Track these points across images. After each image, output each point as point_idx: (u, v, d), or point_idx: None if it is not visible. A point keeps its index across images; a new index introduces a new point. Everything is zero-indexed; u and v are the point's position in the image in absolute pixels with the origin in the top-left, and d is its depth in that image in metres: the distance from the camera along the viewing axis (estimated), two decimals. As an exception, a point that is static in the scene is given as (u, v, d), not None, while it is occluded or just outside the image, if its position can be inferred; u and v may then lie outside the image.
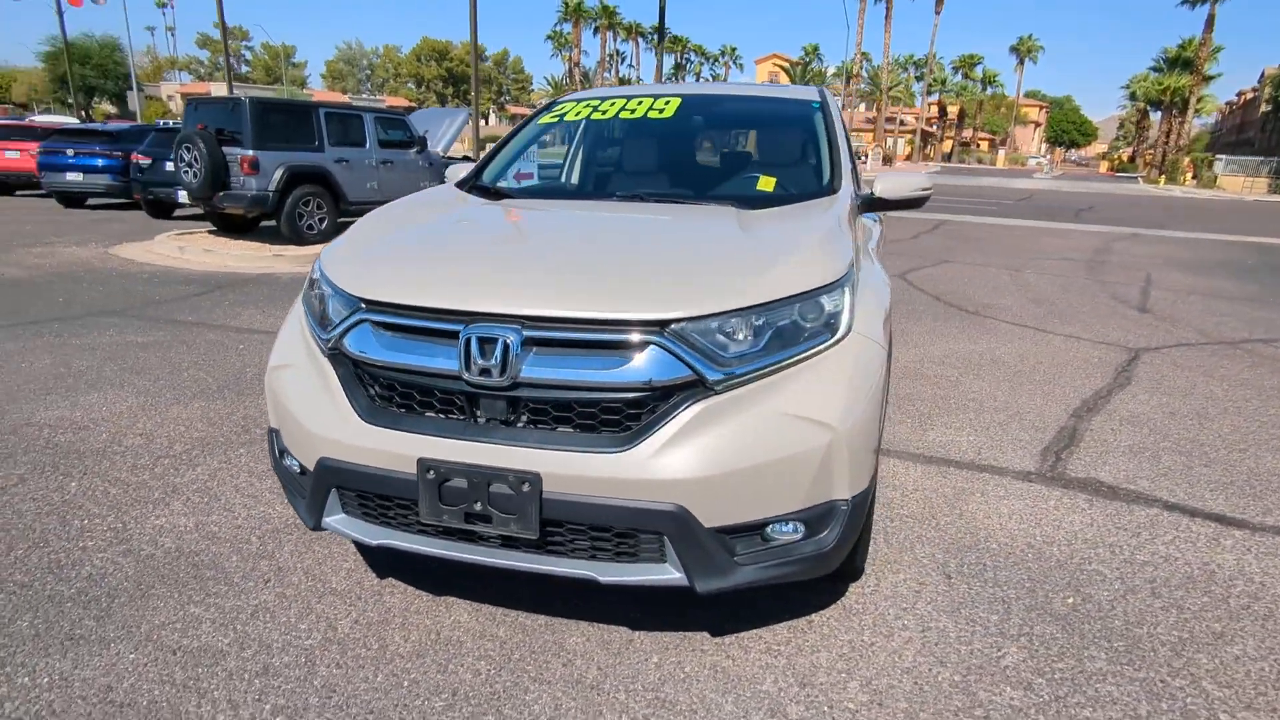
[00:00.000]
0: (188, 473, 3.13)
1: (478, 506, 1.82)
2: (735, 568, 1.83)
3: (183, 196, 10.12)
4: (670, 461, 1.74)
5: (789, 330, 1.87)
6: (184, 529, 2.69)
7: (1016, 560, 2.58)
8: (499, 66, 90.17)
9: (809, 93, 3.30)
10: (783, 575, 1.88)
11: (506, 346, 1.78)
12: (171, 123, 17.42)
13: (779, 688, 1.94)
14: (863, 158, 49.31)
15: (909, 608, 2.30)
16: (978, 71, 78.45)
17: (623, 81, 74.04)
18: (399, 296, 1.93)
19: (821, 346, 1.89)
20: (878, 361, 1.98)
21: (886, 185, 2.85)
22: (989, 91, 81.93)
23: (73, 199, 14.03)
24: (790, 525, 1.85)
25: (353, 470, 1.92)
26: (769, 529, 1.85)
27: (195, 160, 9.56)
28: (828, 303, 1.95)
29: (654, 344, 1.77)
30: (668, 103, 3.23)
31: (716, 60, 71.03)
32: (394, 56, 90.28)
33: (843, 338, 1.93)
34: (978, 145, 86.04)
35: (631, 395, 1.78)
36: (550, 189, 2.98)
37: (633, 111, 3.25)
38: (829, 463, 1.82)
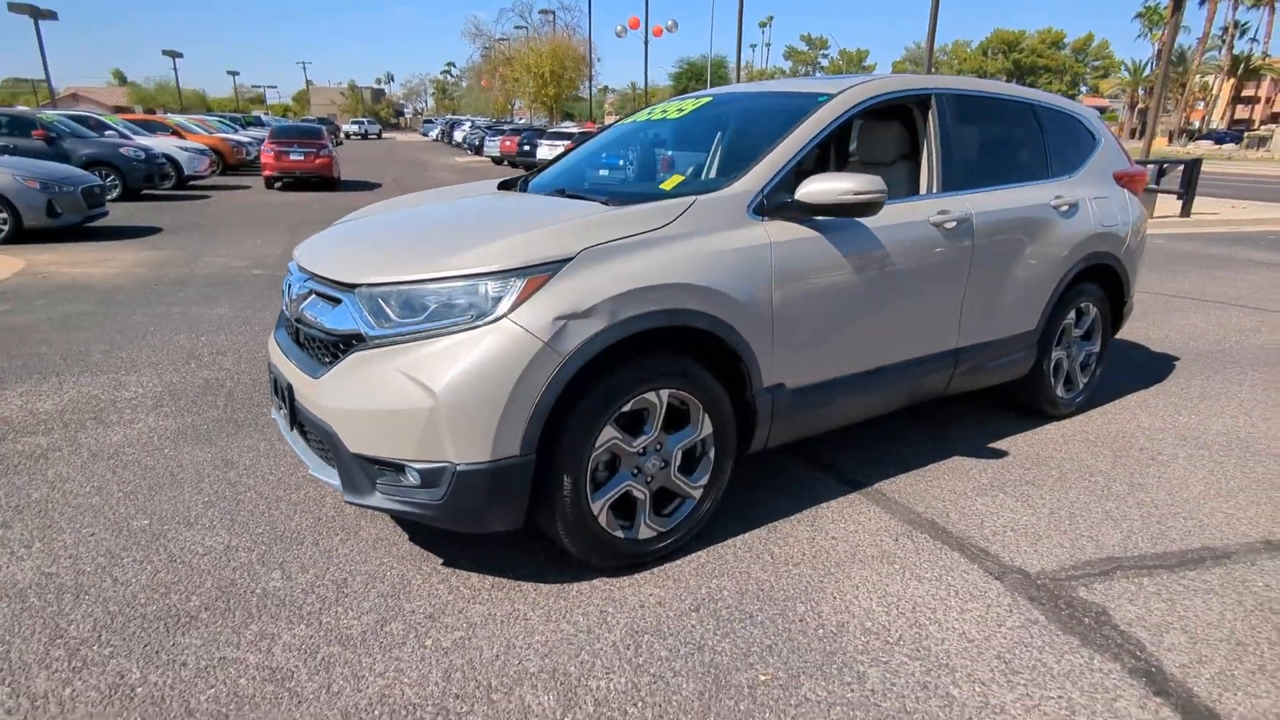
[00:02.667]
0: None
1: (281, 401, 2.60)
2: (373, 491, 2.24)
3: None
4: (330, 391, 2.26)
5: (442, 304, 2.16)
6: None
7: (796, 629, 2.21)
8: (1077, 54, 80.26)
9: (830, 86, 2.98)
10: (409, 513, 2.22)
11: (293, 289, 2.52)
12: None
13: (367, 613, 2.27)
14: None
15: (601, 616, 2.26)
16: None
17: (1236, 61, 58.46)
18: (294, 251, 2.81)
19: (462, 325, 2.12)
20: (523, 353, 2.08)
21: (809, 189, 2.55)
22: None
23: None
24: (412, 473, 2.17)
25: (269, 365, 2.88)
26: (406, 471, 2.20)
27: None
28: (491, 287, 2.14)
29: (343, 301, 2.29)
30: (695, 103, 3.31)
31: None
32: (962, 52, 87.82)
33: (491, 323, 2.11)
34: None
35: (328, 338, 2.33)
36: (541, 184, 3.40)
37: (665, 113, 3.43)
38: (434, 425, 2.09)
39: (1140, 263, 4.19)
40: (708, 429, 2.53)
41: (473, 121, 42.98)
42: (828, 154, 3.79)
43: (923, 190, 3.18)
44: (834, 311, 2.73)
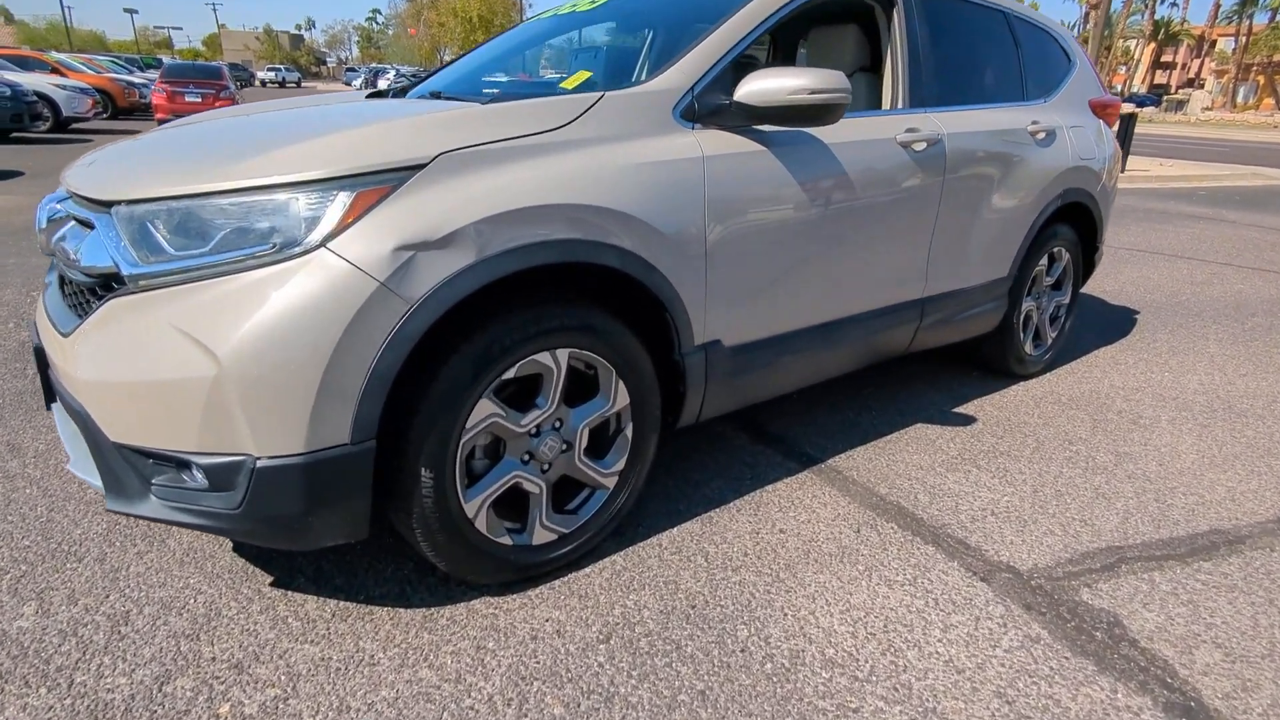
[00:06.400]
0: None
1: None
2: (146, 497, 1.58)
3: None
4: (81, 355, 1.58)
5: (234, 229, 1.49)
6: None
7: (737, 664, 1.67)
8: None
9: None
10: (196, 524, 1.56)
11: (44, 216, 1.80)
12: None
13: (238, 642, 1.65)
14: None
15: (477, 656, 1.69)
16: None
17: (1157, 26, 59.93)
18: None
19: (261, 258, 1.46)
20: (349, 298, 1.44)
21: (752, 87, 1.95)
22: None
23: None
24: (197, 470, 1.52)
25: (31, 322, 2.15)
26: (189, 467, 1.55)
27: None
28: (302, 204, 1.49)
29: (96, 227, 1.60)
30: (610, -6, 2.66)
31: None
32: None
33: (303, 254, 1.46)
34: None
35: (86, 280, 1.64)
36: (420, 90, 2.71)
37: (575, 6, 2.76)
38: (219, 402, 1.44)
39: (1112, 205, 3.77)
40: (623, 400, 1.94)
41: (398, 70, 40.63)
42: (770, 60, 3.19)
43: (886, 107, 2.62)
44: (784, 249, 2.17)
